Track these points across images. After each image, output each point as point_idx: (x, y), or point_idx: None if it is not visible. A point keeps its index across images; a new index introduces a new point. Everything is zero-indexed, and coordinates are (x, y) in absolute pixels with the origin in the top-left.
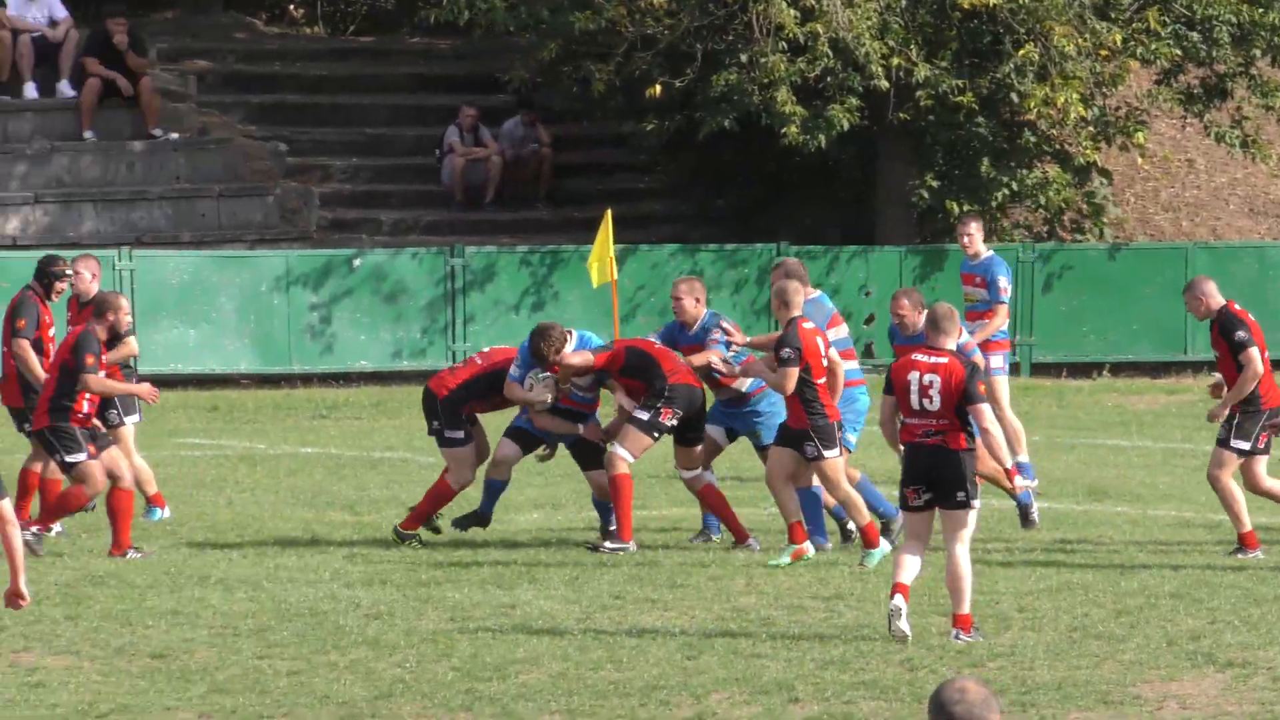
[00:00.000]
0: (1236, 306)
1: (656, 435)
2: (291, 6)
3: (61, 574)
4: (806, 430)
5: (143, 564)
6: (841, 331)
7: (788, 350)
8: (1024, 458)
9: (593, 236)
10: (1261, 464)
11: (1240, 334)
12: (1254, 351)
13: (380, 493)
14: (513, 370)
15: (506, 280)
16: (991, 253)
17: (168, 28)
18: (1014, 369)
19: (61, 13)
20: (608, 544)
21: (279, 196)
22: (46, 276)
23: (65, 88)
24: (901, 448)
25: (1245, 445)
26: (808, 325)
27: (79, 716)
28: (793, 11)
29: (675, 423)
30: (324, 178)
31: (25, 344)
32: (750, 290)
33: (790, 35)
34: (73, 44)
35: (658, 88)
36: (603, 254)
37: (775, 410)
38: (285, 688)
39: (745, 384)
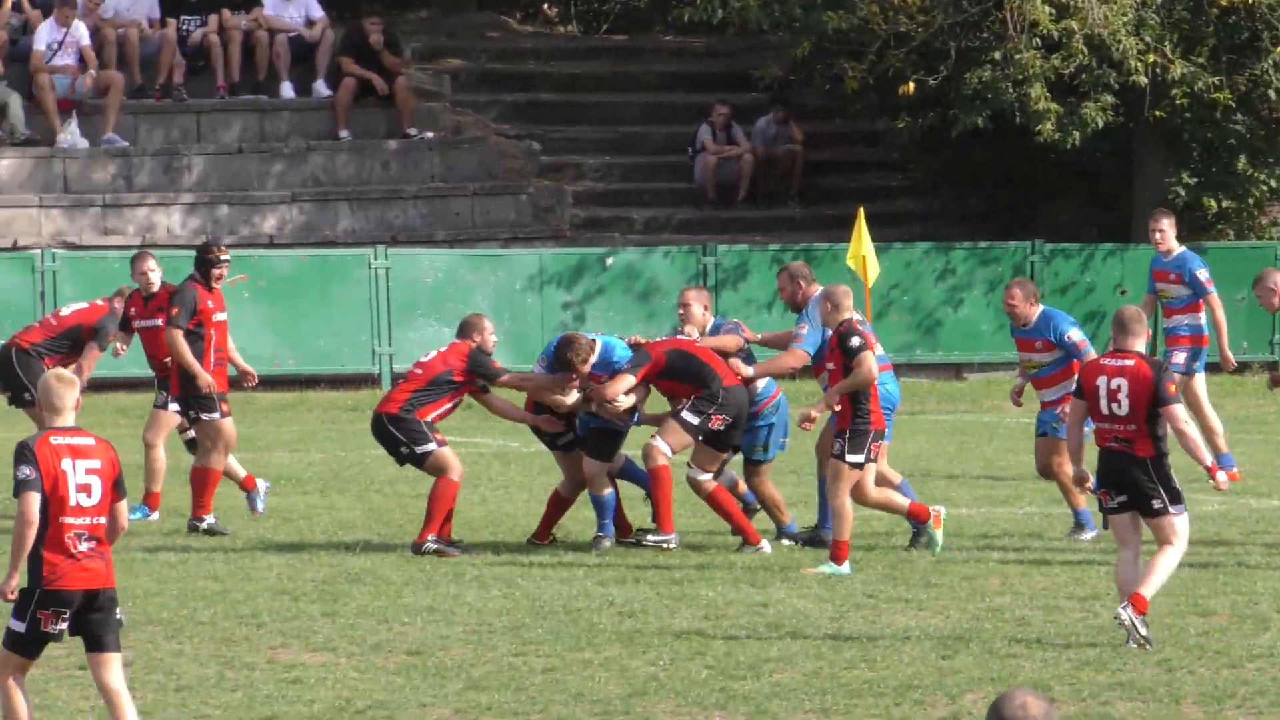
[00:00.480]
0: None
1: (700, 439)
2: (545, 5)
3: (319, 571)
4: (845, 430)
5: (399, 560)
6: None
7: (856, 339)
8: (1224, 448)
9: (845, 234)
10: None
11: None
12: None
13: (632, 490)
14: (537, 372)
15: (758, 278)
16: (1184, 248)
17: (423, 27)
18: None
19: (318, 12)
20: (650, 537)
21: (532, 195)
22: (204, 264)
23: (321, 87)
24: (1069, 467)
25: None
26: (861, 326)
27: (335, 713)
28: (1047, 8)
29: (723, 428)
30: (577, 176)
31: (177, 332)
32: (1004, 288)
33: (1045, 32)
34: (329, 44)
35: (911, 85)
36: (857, 252)
37: (781, 420)
38: (540, 685)
39: (756, 389)
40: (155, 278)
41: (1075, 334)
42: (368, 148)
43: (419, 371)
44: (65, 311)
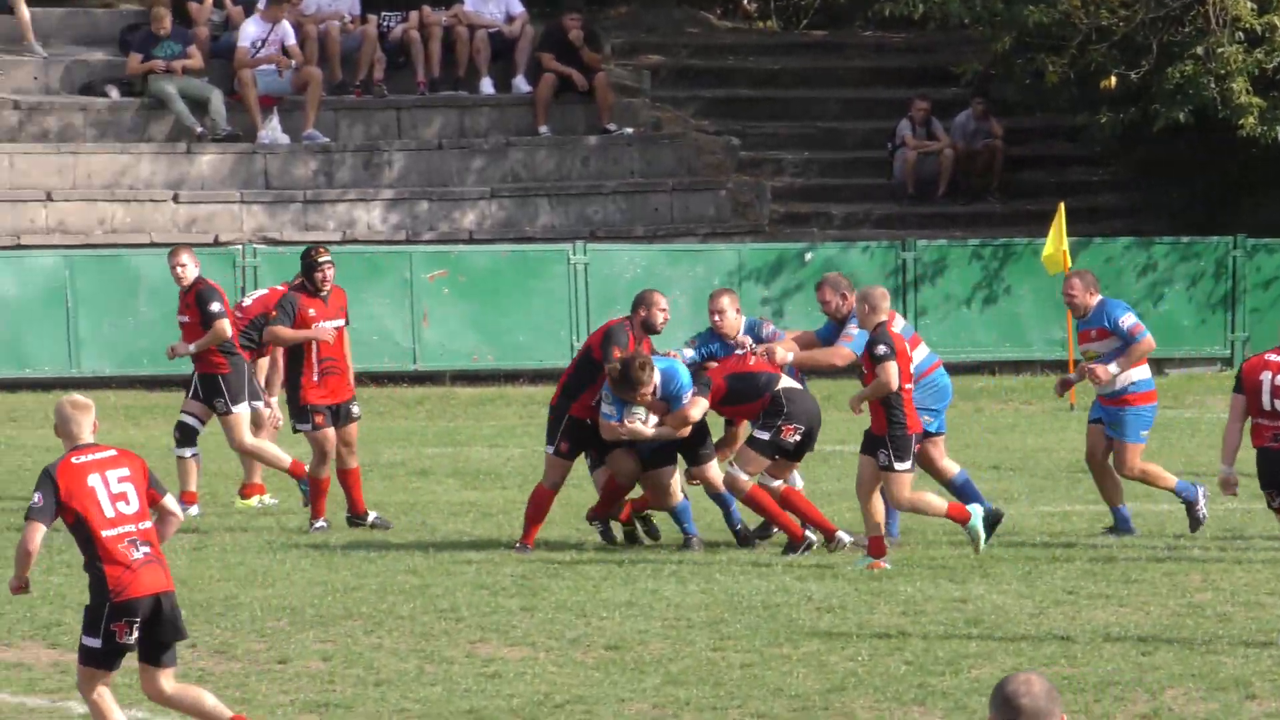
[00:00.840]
0: None
1: (777, 456)
2: (745, 1)
3: (517, 565)
4: (884, 437)
5: (596, 555)
6: (898, 323)
7: (883, 347)
8: None
9: (1044, 229)
10: None
11: None
12: None
13: (833, 486)
14: (605, 409)
15: (957, 274)
16: None
17: (622, 23)
18: None
19: (518, 8)
20: (792, 554)
21: (731, 190)
22: (306, 268)
23: (521, 83)
24: (1225, 465)
25: None
26: (896, 329)
27: (534, 707)
28: (1249, 3)
29: (798, 439)
30: (776, 171)
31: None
32: (1206, 284)
33: (1247, 26)
34: (528, 40)
35: (1112, 80)
36: (1057, 246)
37: None
38: (738, 680)
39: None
40: (184, 273)
41: (1129, 319)
42: (567, 143)
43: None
44: (248, 302)
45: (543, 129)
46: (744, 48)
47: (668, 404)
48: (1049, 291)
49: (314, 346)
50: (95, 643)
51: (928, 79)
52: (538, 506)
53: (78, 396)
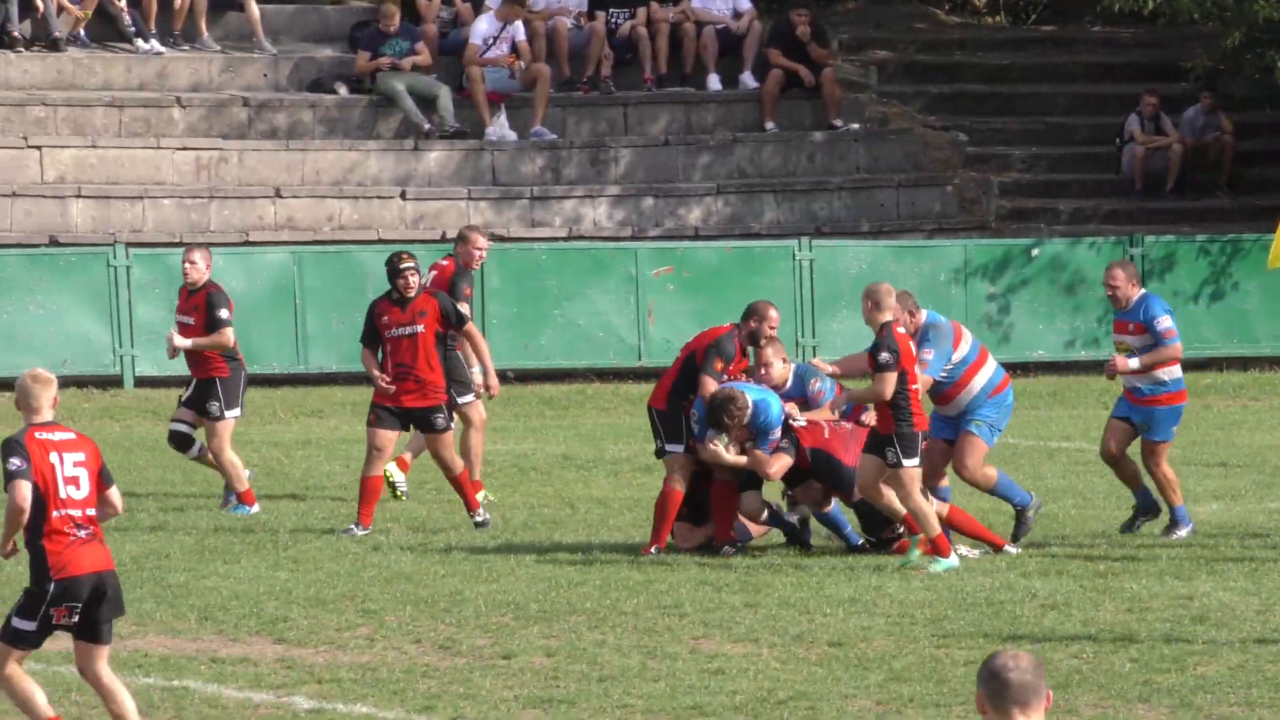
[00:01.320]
0: None
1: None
2: None
3: (740, 560)
4: (891, 435)
5: (820, 552)
6: (968, 338)
7: (886, 355)
8: None
9: (1274, 225)
10: None
11: None
12: None
13: (1057, 483)
14: (696, 429)
15: (1185, 270)
16: None
17: (850, 19)
18: None
19: (746, 5)
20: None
21: (958, 186)
22: (390, 274)
23: (748, 79)
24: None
25: None
26: (901, 330)
27: (757, 704)
28: None
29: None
30: (1003, 167)
31: (366, 351)
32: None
33: None
34: (756, 36)
35: None
36: None
37: None
38: (961, 677)
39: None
40: (195, 273)
41: (1165, 321)
42: (793, 139)
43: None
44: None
45: (769, 125)
46: (972, 43)
47: (753, 434)
48: (1277, 288)
49: (388, 352)
50: (29, 626)
51: (1156, 74)
52: (669, 508)
53: (40, 370)
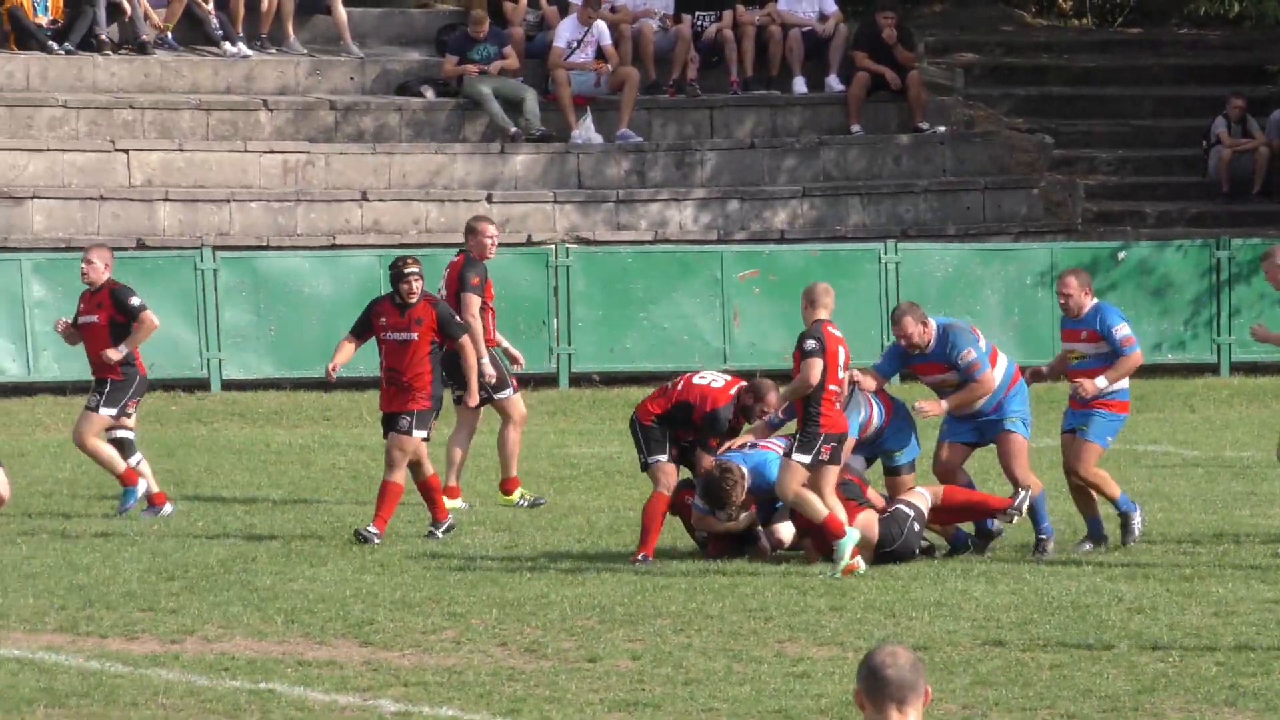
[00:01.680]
0: None
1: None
2: None
3: (825, 565)
4: (798, 431)
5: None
6: (981, 336)
7: (811, 342)
8: None
9: None
10: None
11: None
12: None
13: (1143, 486)
14: (697, 502)
15: None
16: None
17: (936, 21)
18: None
19: (831, 7)
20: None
21: (1044, 189)
22: (394, 278)
23: (834, 82)
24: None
25: None
26: (834, 331)
27: (843, 707)
28: None
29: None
30: (1089, 170)
31: (345, 340)
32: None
33: None
34: (842, 39)
35: None
36: None
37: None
38: (1047, 681)
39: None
40: (93, 273)
41: (1124, 329)
42: (879, 142)
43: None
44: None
45: (855, 128)
46: (1058, 45)
47: (754, 497)
48: None
49: (382, 354)
50: None
51: (1243, 76)
52: (656, 514)
53: None
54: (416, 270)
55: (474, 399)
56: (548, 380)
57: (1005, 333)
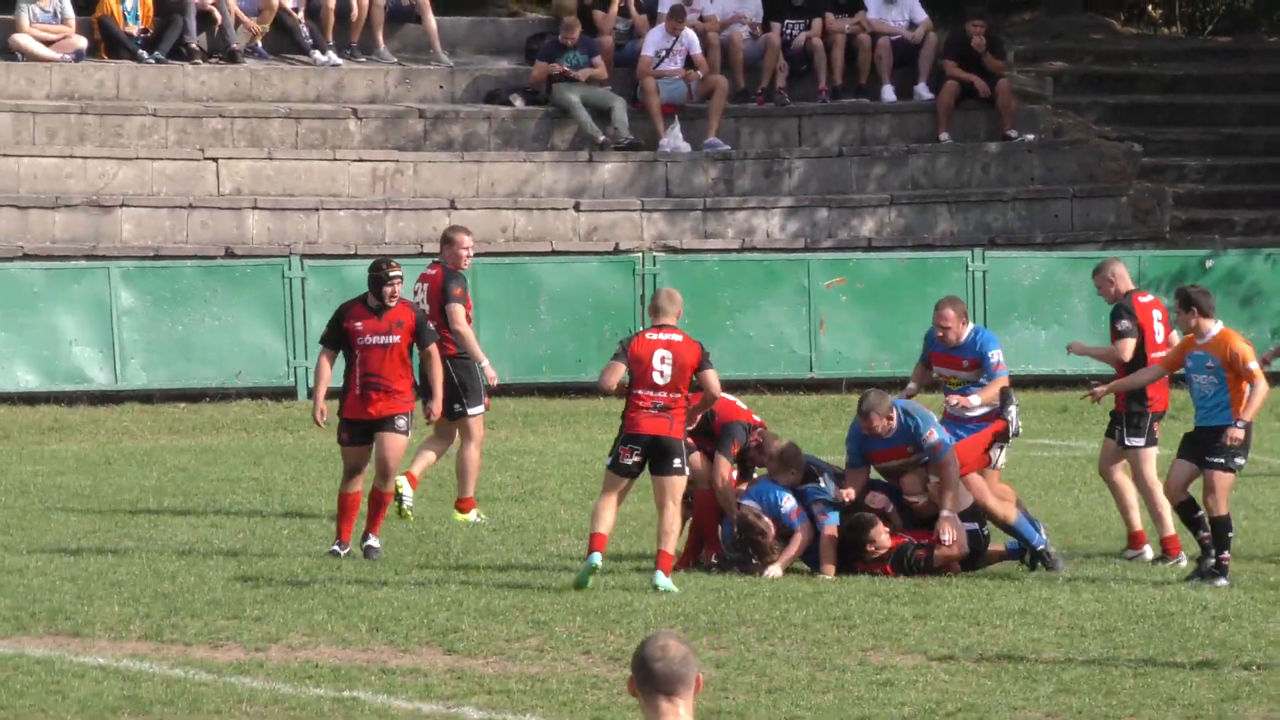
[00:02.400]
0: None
1: None
2: (1150, 6)
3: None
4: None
5: (999, 566)
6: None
7: (620, 342)
8: None
9: None
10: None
11: (1124, 324)
12: (1130, 343)
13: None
14: (732, 555)
15: None
16: None
17: (1026, 29)
18: None
19: (921, 15)
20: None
21: (1132, 197)
22: (373, 281)
23: (923, 90)
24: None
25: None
26: (651, 336)
27: (926, 715)
28: None
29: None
30: (1178, 178)
31: (324, 356)
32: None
33: None
34: (931, 46)
35: None
36: None
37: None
38: (1131, 689)
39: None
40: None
41: (997, 355)
42: (968, 150)
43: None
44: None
45: (944, 136)
46: (1148, 54)
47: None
48: None
49: (357, 360)
50: None
51: None
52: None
53: None
54: (400, 274)
55: (436, 412)
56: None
57: (1093, 341)
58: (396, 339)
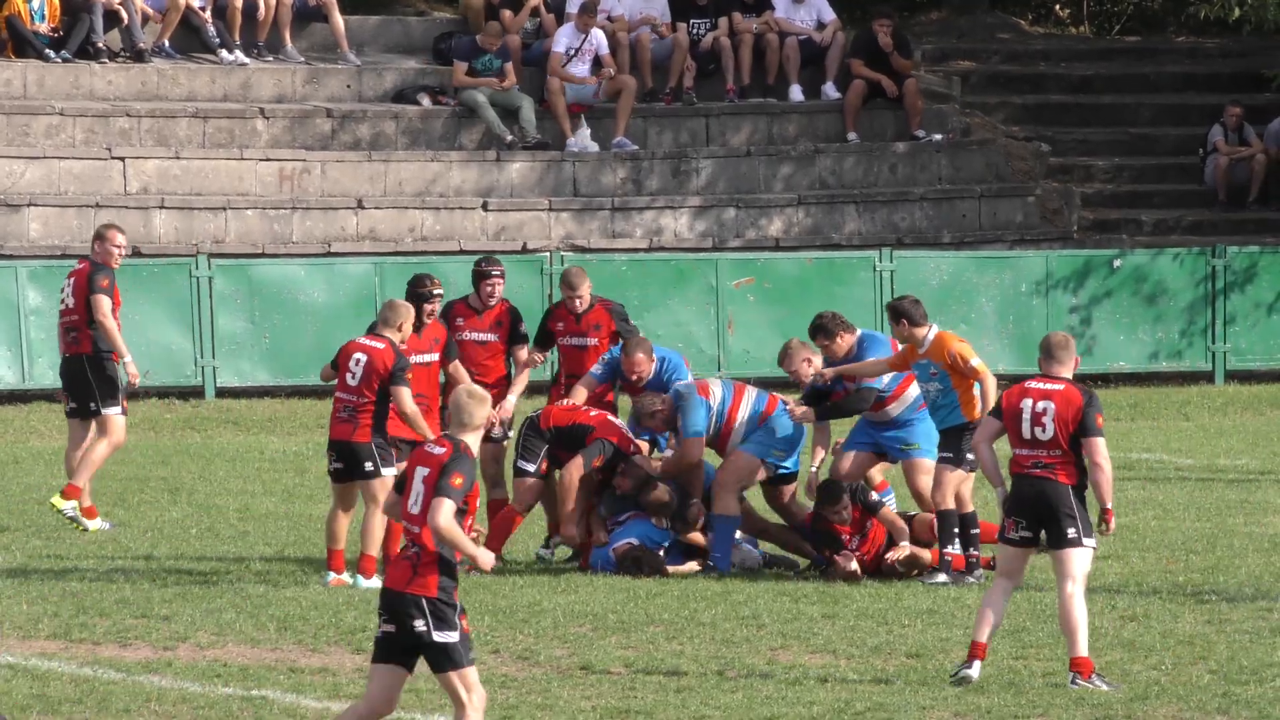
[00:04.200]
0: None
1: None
2: (1057, 6)
3: (816, 573)
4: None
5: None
6: (715, 389)
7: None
8: None
9: None
10: None
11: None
12: None
13: (1137, 494)
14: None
15: (1268, 281)
16: None
17: (933, 29)
18: None
19: (830, 15)
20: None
21: (1040, 197)
22: (416, 299)
23: (830, 90)
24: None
25: None
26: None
27: (834, 714)
28: None
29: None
30: (1086, 178)
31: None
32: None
33: None
34: (839, 47)
35: None
36: None
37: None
38: (1040, 689)
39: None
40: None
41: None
42: (875, 150)
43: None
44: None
45: (851, 136)
46: (1056, 53)
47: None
48: None
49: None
50: None
51: (1241, 84)
52: (505, 523)
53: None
54: (441, 292)
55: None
56: (541, 388)
57: (1001, 340)
58: (435, 357)
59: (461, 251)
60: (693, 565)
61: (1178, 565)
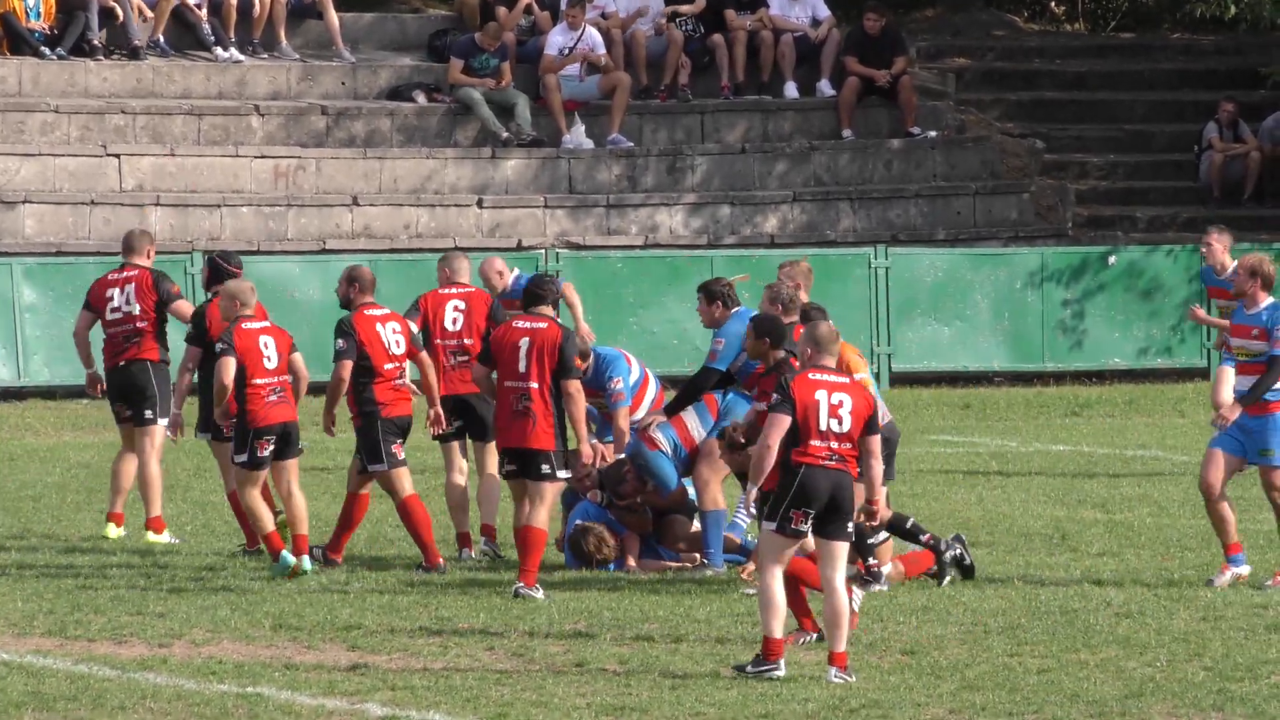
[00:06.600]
0: None
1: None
2: (1053, 3)
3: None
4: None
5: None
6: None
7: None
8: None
9: None
10: None
11: None
12: None
13: (1132, 490)
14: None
15: None
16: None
17: (927, 26)
18: None
19: (824, 12)
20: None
21: (1034, 194)
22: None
23: (825, 87)
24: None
25: None
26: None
27: (830, 711)
28: None
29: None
30: (1080, 174)
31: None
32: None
33: None
34: (834, 44)
35: None
36: None
37: None
38: (1034, 685)
39: None
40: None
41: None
42: (870, 147)
43: None
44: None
45: (846, 132)
46: (1051, 50)
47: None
48: None
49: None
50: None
51: (1236, 81)
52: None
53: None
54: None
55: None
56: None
57: (995, 337)
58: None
59: (457, 249)
60: (668, 564)
61: (1173, 562)
